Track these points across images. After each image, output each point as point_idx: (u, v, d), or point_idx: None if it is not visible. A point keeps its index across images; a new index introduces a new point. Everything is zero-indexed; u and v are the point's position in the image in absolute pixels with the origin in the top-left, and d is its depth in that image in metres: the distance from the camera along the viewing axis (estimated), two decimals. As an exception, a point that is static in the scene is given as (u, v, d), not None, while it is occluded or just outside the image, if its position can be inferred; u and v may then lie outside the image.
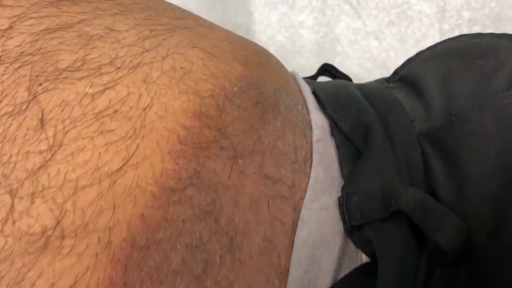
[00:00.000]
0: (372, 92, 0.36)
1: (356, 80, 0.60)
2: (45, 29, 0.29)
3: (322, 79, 0.53)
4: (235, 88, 0.31)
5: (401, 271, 0.27)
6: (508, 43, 0.35)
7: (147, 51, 0.30)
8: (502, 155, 0.28)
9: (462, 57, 0.35)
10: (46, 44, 0.28)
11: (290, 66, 0.63)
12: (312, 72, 0.53)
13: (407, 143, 0.32)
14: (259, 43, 0.62)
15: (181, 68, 0.30)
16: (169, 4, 0.39)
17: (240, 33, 0.63)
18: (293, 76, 0.40)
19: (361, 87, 0.38)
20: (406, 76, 0.37)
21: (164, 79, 0.29)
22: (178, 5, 0.41)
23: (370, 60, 0.59)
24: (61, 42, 0.28)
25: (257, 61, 0.34)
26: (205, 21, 0.38)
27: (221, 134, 0.28)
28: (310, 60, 0.60)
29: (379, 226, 0.28)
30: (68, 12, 0.31)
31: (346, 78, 0.50)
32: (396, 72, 0.38)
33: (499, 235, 0.27)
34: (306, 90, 0.37)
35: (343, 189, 0.31)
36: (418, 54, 0.38)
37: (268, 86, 0.33)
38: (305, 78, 0.45)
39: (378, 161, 0.31)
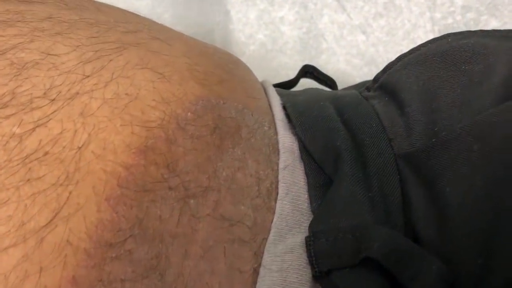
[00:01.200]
0: (348, 106, 0.33)
1: (343, 78, 0.56)
2: None
3: (304, 82, 0.50)
4: (189, 114, 0.27)
5: None
6: (498, 43, 0.31)
7: (87, 76, 0.26)
8: (490, 186, 0.25)
9: (446, 61, 0.31)
10: None
11: (272, 66, 0.59)
12: (296, 71, 0.50)
13: (383, 170, 0.29)
14: (237, 44, 0.58)
15: (126, 94, 0.26)
16: (125, 14, 0.36)
17: (218, 33, 0.60)
18: (264, 88, 0.36)
19: (337, 98, 0.34)
20: (387, 84, 0.33)
21: (105, 110, 0.25)
22: (137, 12, 0.37)
23: (357, 56, 0.56)
24: None
25: (218, 78, 0.31)
26: (164, 31, 0.35)
27: (170, 171, 0.25)
28: (293, 58, 0.57)
29: (349, 274, 0.25)
30: (2, 36, 0.28)
31: (329, 79, 0.46)
32: (376, 79, 0.35)
33: (489, 283, 0.24)
34: (276, 106, 0.33)
35: (310, 227, 0.27)
36: (399, 58, 0.34)
37: (229, 107, 0.29)
38: (278, 88, 0.41)
39: (348, 196, 0.27)
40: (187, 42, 0.34)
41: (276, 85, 0.46)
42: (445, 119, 0.28)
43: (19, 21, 0.29)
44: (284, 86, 0.46)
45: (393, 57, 0.36)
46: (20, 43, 0.27)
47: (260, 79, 0.39)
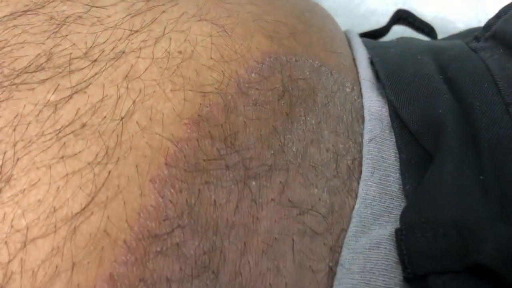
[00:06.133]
0: (453, 61, 0.27)
1: (443, 24, 0.48)
2: (10, 14, 0.23)
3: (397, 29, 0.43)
4: (253, 75, 0.23)
5: None
6: None
7: (136, 32, 0.23)
8: None
9: None
10: (6, 36, 0.22)
11: (359, 12, 0.52)
12: (388, 18, 0.43)
13: (499, 145, 0.22)
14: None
15: (179, 52, 0.22)
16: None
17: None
18: (348, 39, 0.31)
19: (439, 51, 0.28)
20: (502, 32, 0.27)
21: (153, 72, 0.22)
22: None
23: (461, -3, 0.48)
24: (24, 31, 0.22)
25: (290, 29, 0.26)
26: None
27: (227, 146, 0.21)
28: (384, 2, 0.50)
29: (451, 282, 0.20)
30: None
31: (427, 26, 0.40)
32: (488, 26, 0.28)
33: None
34: (362, 62, 0.28)
35: (402, 217, 0.22)
36: (518, 0, 0.27)
37: (302, 65, 0.25)
38: (369, 34, 0.35)
39: (453, 180, 0.21)
40: (256, -15, 0.29)
41: (363, 35, 0.40)
42: None
43: None
44: (373, 35, 0.41)
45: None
46: None
47: (344, 29, 0.33)
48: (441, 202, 0.21)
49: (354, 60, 0.28)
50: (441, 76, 0.25)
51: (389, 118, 0.25)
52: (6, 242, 0.18)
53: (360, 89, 0.26)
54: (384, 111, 0.25)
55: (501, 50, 0.26)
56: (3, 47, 0.22)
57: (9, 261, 0.18)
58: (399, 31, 0.43)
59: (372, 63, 0.28)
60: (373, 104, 0.25)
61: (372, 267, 0.21)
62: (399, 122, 0.25)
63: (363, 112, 0.25)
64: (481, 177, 0.21)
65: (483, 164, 0.22)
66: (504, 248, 0.19)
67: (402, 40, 0.32)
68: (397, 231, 0.21)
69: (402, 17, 0.40)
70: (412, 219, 0.21)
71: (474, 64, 0.26)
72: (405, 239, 0.21)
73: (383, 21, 0.45)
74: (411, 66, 0.26)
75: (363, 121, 0.25)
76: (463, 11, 0.48)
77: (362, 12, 0.49)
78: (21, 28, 0.22)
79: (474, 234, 0.19)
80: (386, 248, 0.21)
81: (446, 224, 0.20)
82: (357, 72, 0.27)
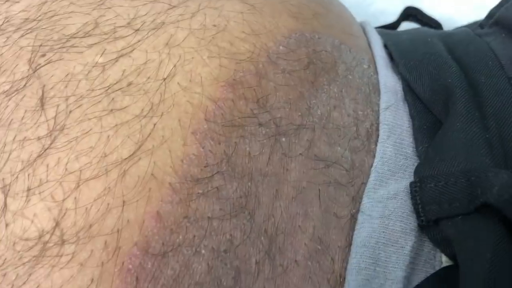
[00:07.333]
0: (459, 44, 0.29)
1: (448, 25, 0.51)
2: None
3: (406, 25, 0.45)
4: (280, 47, 0.25)
5: (493, 285, 0.20)
6: None
7: (174, 7, 0.25)
8: None
9: None
10: (55, 7, 0.24)
11: (369, 12, 0.55)
12: (397, 17, 0.46)
13: (502, 111, 0.25)
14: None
15: (214, 26, 0.25)
16: None
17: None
18: (363, 27, 0.33)
19: (447, 36, 0.30)
20: (504, 19, 0.29)
21: (191, 41, 0.24)
22: None
23: None
24: (72, 3, 0.24)
25: (313, 11, 0.28)
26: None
27: (260, 106, 0.23)
28: (393, 2, 0.52)
29: (461, 223, 0.22)
30: None
31: (435, 23, 0.42)
32: (491, 14, 0.31)
33: None
34: (377, 44, 0.30)
35: (416, 172, 0.24)
36: (520, -11, 0.30)
37: (324, 42, 0.27)
38: (380, 28, 0.38)
39: (462, 137, 0.24)
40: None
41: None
42: None
43: None
44: (383, 31, 0.43)
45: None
46: None
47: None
48: (452, 157, 0.23)
49: (369, 43, 0.31)
50: (449, 56, 0.28)
51: (402, 92, 0.28)
52: (60, 183, 0.20)
53: (376, 67, 0.29)
54: (398, 86, 0.28)
55: (503, 35, 0.29)
56: (52, 16, 0.24)
57: (63, 199, 0.20)
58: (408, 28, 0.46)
59: (385, 46, 0.30)
60: (388, 80, 0.28)
61: (389, 214, 0.23)
62: (412, 94, 0.27)
63: (379, 87, 0.27)
64: (486, 135, 0.24)
65: (488, 125, 0.24)
66: (508, 188, 0.21)
67: (412, 29, 0.35)
68: (412, 183, 0.24)
69: (411, 14, 0.42)
70: (426, 172, 0.24)
71: (479, 46, 0.28)
72: (419, 190, 0.23)
73: (392, 21, 0.48)
74: (422, 46, 0.29)
75: (379, 94, 0.27)
76: (468, 14, 0.50)
77: (372, 12, 0.52)
78: (68, 1, 0.25)
79: (482, 180, 0.22)
80: (402, 198, 0.24)
81: (456, 174, 0.23)
82: (373, 54, 0.30)
